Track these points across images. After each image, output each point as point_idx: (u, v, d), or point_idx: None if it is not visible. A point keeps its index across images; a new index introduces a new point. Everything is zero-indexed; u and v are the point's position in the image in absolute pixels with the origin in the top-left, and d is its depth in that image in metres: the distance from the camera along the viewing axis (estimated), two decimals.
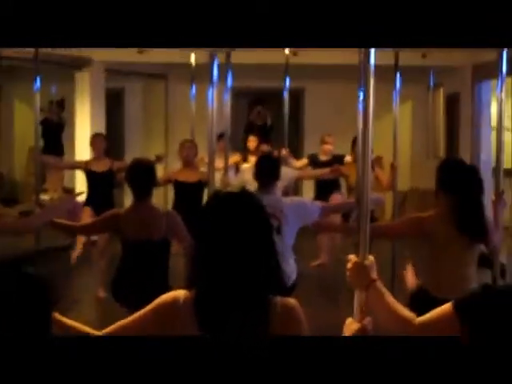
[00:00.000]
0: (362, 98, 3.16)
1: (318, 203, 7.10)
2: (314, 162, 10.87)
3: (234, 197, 2.98)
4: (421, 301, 4.88)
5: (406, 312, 3.06)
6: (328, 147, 10.82)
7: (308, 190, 12.37)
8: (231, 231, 2.87)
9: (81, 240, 10.19)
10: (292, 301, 2.96)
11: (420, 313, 3.03)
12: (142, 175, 6.07)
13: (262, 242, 2.94)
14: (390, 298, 3.11)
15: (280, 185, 7.20)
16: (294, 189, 11.87)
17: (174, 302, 2.93)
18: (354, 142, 9.09)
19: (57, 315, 3.12)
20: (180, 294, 2.95)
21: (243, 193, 3.03)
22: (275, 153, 10.52)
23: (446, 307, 3.00)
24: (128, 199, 10.22)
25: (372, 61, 3.17)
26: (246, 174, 9.21)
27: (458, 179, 5.24)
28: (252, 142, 11.90)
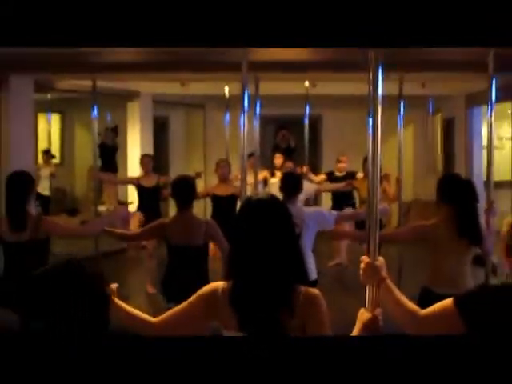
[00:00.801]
0: (371, 123, 3.15)
1: (334, 212, 7.13)
2: (331, 177, 10.92)
3: (263, 201, 3.04)
4: (425, 298, 4.90)
5: (412, 305, 3.06)
6: (342, 165, 10.84)
7: (326, 201, 12.34)
8: (262, 231, 2.94)
9: (133, 245, 10.24)
10: (315, 290, 2.99)
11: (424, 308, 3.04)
12: (185, 189, 6.11)
13: (288, 239, 3.01)
14: (398, 294, 3.12)
15: (302, 197, 7.22)
16: (314, 200, 11.89)
17: (214, 291, 3.00)
18: (365, 160, 9.10)
19: (118, 302, 3.15)
20: (219, 284, 3.02)
21: (271, 198, 3.08)
22: (297, 170, 10.51)
23: (448, 302, 2.99)
24: (172, 210, 10.27)
25: (379, 91, 3.18)
26: (272, 188, 9.26)
27: (456, 191, 5.28)
28: (278, 159, 11.92)
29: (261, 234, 2.94)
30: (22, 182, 5.69)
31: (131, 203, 7.13)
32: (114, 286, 3.22)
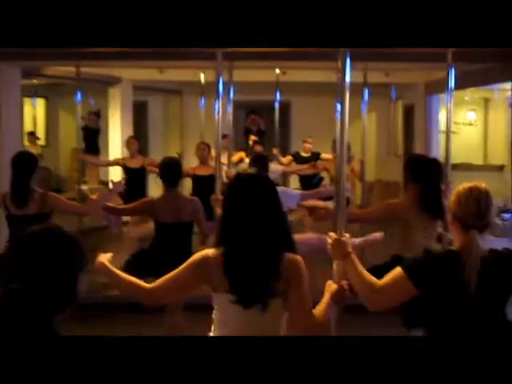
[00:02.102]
0: (339, 108, 3.18)
1: (298, 191, 7.23)
2: (296, 157, 10.93)
3: (252, 176, 3.17)
4: (396, 264, 4.99)
5: (372, 278, 3.13)
6: (308, 146, 10.86)
7: (294, 182, 12.36)
8: (251, 202, 3.04)
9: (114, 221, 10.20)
10: (298, 256, 3.06)
11: None
12: (172, 169, 6.12)
13: (275, 209, 3.10)
14: (361, 268, 3.18)
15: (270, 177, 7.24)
16: (283, 181, 11.93)
17: (206, 258, 3.08)
18: (334, 143, 9.13)
19: (107, 265, 3.18)
20: (209, 251, 3.11)
21: (259, 174, 3.23)
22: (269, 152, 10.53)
23: (398, 270, 3.08)
24: (154, 190, 10.26)
25: (347, 79, 3.21)
26: (243, 167, 9.30)
27: (422, 172, 5.35)
28: (252, 139, 11.93)
29: (250, 204, 3.03)
30: (26, 162, 5.75)
31: (113, 181, 7.18)
32: (109, 255, 3.27)
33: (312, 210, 6.97)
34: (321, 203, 7.66)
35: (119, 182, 6.60)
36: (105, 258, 3.25)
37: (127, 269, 5.88)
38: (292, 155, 11.28)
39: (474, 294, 2.94)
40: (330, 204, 7.67)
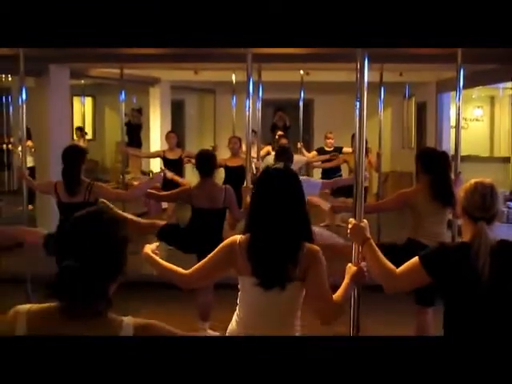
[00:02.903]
0: (358, 105, 3.14)
1: (319, 180, 7.22)
2: (320, 152, 10.86)
3: (280, 170, 3.14)
4: (411, 246, 5.06)
5: (389, 264, 3.12)
6: (330, 141, 10.77)
7: (317, 175, 12.32)
8: (277, 194, 3.03)
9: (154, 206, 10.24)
10: (316, 247, 3.04)
11: (412, 254, 3.10)
12: (208, 161, 6.11)
13: (298, 202, 3.08)
14: (379, 253, 3.16)
15: (293, 167, 7.22)
16: (307, 174, 11.91)
17: (233, 243, 3.08)
18: (353, 137, 9.09)
19: (151, 254, 3.21)
20: (237, 237, 3.11)
21: (286, 168, 3.19)
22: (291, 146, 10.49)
23: (414, 260, 3.06)
24: (189, 178, 10.27)
25: (365, 79, 3.17)
26: (269, 160, 9.29)
27: (433, 163, 5.33)
28: (278, 134, 11.90)
29: (276, 196, 3.03)
30: (75, 154, 5.78)
31: (151, 172, 7.26)
32: (154, 245, 3.31)
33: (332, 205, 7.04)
34: (342, 206, 7.69)
35: (159, 173, 6.62)
36: (149, 248, 3.27)
37: (160, 234, 5.95)
38: (317, 150, 11.21)
39: (486, 283, 2.91)
40: (343, 201, 7.71)
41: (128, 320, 1.99)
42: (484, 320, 2.99)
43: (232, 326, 3.15)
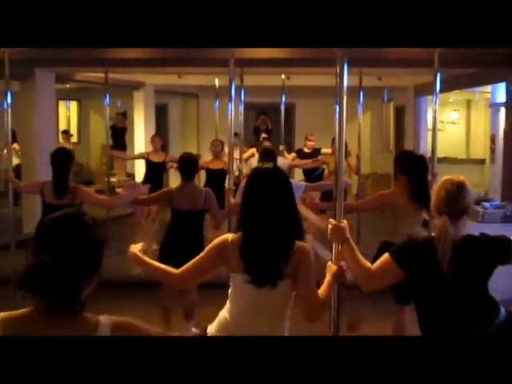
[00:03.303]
0: (337, 109, 3.16)
1: (303, 183, 7.22)
2: (300, 153, 10.85)
3: (269, 170, 3.18)
4: (385, 249, 4.99)
5: (366, 263, 3.17)
6: (310, 143, 10.77)
7: (298, 174, 12.35)
8: (268, 193, 3.04)
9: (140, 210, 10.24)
10: (305, 244, 3.07)
11: None
12: (190, 164, 6.11)
13: (288, 201, 3.09)
14: (357, 252, 3.20)
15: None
16: (288, 173, 11.90)
17: (225, 241, 3.08)
18: (333, 140, 9.10)
19: (138, 254, 3.19)
20: (228, 236, 3.11)
21: (276, 168, 3.25)
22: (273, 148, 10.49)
23: (386, 256, 3.10)
24: (171, 181, 10.26)
25: (345, 83, 3.19)
26: (253, 162, 9.29)
27: (411, 165, 5.36)
28: (262, 136, 11.91)
29: (267, 195, 3.03)
30: (64, 157, 5.76)
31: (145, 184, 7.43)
32: (139, 245, 3.28)
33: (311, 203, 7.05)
34: (320, 203, 7.70)
35: (143, 185, 6.61)
36: (136, 248, 3.25)
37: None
38: (296, 152, 11.21)
39: (448, 275, 2.97)
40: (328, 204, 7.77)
41: (104, 319, 1.97)
42: (448, 312, 3.04)
43: (224, 322, 3.13)
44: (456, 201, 3.06)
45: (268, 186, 3.07)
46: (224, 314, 3.15)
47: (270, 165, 3.28)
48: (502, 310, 3.12)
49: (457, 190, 3.07)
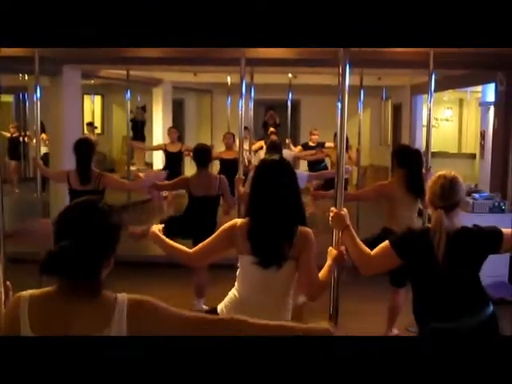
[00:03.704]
0: (339, 106, 3.15)
1: (306, 173, 7.24)
2: (305, 147, 10.84)
3: (276, 161, 3.18)
4: (386, 234, 5.00)
5: (365, 249, 3.18)
6: (315, 137, 10.75)
7: (303, 167, 12.32)
8: (274, 182, 3.05)
9: (157, 195, 10.27)
10: (308, 229, 3.07)
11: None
12: (204, 153, 6.18)
13: (293, 189, 3.10)
14: (357, 239, 3.20)
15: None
16: (294, 165, 11.86)
17: (234, 225, 3.11)
18: (336, 134, 9.09)
19: (158, 234, 3.21)
20: (237, 221, 3.15)
21: (281, 159, 3.24)
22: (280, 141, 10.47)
23: (386, 243, 3.10)
24: (188, 170, 10.27)
25: (347, 82, 3.18)
26: (261, 154, 9.30)
27: (407, 158, 5.36)
28: (270, 131, 11.91)
29: (273, 185, 3.04)
30: (86, 146, 5.76)
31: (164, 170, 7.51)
32: (160, 226, 3.31)
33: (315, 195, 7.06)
34: (322, 193, 7.67)
35: (162, 172, 6.62)
36: (156, 227, 3.28)
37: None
38: (302, 145, 11.21)
39: (442, 264, 2.97)
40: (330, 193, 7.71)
41: (122, 297, 1.97)
42: (441, 298, 3.04)
43: (234, 300, 3.14)
44: (450, 195, 3.07)
45: (274, 175, 3.08)
46: (233, 292, 3.17)
47: (276, 156, 3.28)
48: (491, 305, 3.11)
49: (450, 185, 3.08)
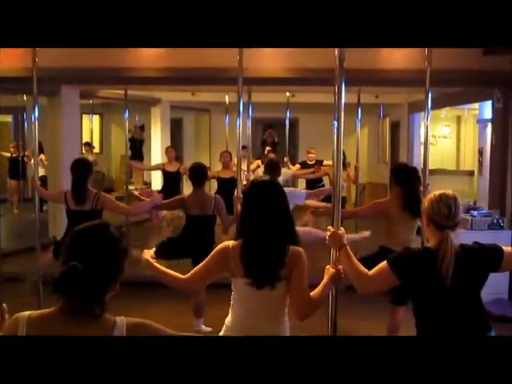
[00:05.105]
0: (336, 125, 3.15)
1: (304, 191, 7.24)
2: (303, 165, 10.85)
3: (266, 182, 3.19)
4: (383, 253, 4.96)
5: (362, 268, 3.13)
6: (311, 155, 10.76)
7: (302, 185, 12.31)
8: (264, 203, 3.06)
9: (155, 214, 10.26)
10: (299, 248, 3.07)
11: (383, 260, 3.10)
12: (199, 172, 6.19)
13: (283, 210, 3.11)
14: (353, 257, 3.18)
15: (281, 179, 7.22)
16: (292, 184, 11.88)
17: (226, 248, 3.09)
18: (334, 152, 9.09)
19: (151, 260, 3.18)
20: (229, 242, 3.12)
21: (271, 180, 3.25)
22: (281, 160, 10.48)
23: (383, 263, 3.06)
24: (186, 189, 10.26)
25: (343, 101, 3.18)
26: (259, 172, 9.31)
27: (404, 177, 5.36)
28: (267, 149, 11.92)
29: (263, 206, 3.05)
30: (82, 166, 5.74)
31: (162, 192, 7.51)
32: (151, 251, 3.29)
33: (314, 210, 6.99)
34: (322, 204, 7.63)
35: (159, 195, 6.58)
36: (148, 254, 3.25)
37: (159, 251, 5.92)
38: (300, 163, 11.22)
39: (449, 285, 2.92)
40: (329, 204, 7.65)
41: (120, 320, 1.97)
42: (449, 318, 3.00)
43: (229, 322, 3.14)
44: (455, 214, 3.04)
45: (264, 196, 3.09)
46: (228, 318, 3.17)
47: (266, 177, 3.29)
48: (492, 330, 3.08)
49: (455, 205, 3.04)
